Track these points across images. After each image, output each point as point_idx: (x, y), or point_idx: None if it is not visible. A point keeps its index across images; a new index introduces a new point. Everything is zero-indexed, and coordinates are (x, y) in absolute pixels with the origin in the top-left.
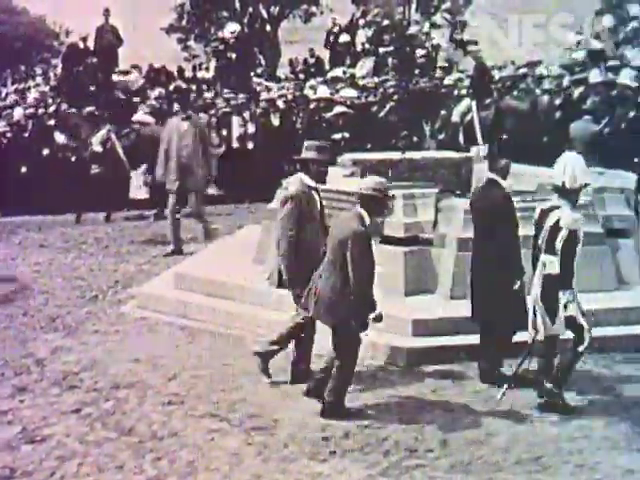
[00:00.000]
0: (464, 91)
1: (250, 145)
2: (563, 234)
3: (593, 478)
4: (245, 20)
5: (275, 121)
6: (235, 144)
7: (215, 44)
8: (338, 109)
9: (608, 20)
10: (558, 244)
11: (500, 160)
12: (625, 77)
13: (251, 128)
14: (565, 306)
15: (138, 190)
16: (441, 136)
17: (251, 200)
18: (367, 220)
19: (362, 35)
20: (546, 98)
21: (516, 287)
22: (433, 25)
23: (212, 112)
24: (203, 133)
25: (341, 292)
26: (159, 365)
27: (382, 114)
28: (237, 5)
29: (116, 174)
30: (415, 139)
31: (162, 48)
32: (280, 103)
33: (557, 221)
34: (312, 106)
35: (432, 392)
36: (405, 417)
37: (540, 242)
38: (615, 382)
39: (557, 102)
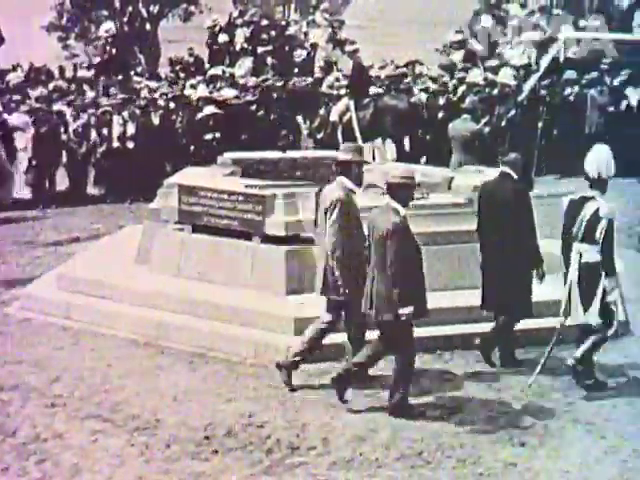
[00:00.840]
0: (342, 90)
1: (130, 144)
2: (603, 224)
3: (475, 472)
4: (125, 19)
5: (155, 120)
6: (115, 143)
7: (96, 42)
8: (208, 110)
9: (486, 20)
10: (599, 234)
11: (511, 154)
12: (505, 76)
13: (131, 127)
14: (606, 292)
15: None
16: (320, 135)
17: (132, 200)
18: (402, 210)
19: (241, 35)
20: (424, 97)
21: (538, 275)
22: (311, 24)
23: (92, 111)
24: None
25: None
26: (43, 367)
27: (261, 113)
28: (117, 4)
29: None
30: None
31: (44, 47)
32: (160, 102)
33: (596, 211)
34: (192, 105)
35: (314, 390)
36: (287, 415)
37: (575, 231)
38: (497, 378)
39: (440, 102)
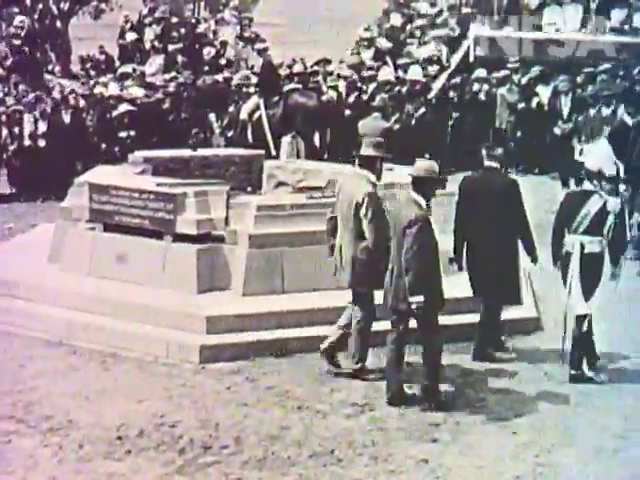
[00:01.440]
0: (252, 89)
1: (42, 143)
2: (611, 219)
3: (387, 469)
4: (35, 16)
5: (66, 118)
6: (27, 142)
7: (9, 39)
8: (123, 107)
9: (395, 18)
10: (606, 227)
11: (497, 149)
12: (414, 73)
13: (43, 126)
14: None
15: None
16: (230, 133)
17: (44, 198)
18: (423, 203)
19: (150, 32)
20: (335, 95)
21: (534, 261)
22: (221, 22)
23: (2, 109)
24: None
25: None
26: None
27: (171, 111)
28: (27, 1)
29: None
30: (205, 136)
31: None
32: (71, 100)
33: (603, 206)
34: (103, 103)
35: (226, 389)
36: (200, 414)
37: (577, 224)
38: (409, 374)
39: (350, 100)
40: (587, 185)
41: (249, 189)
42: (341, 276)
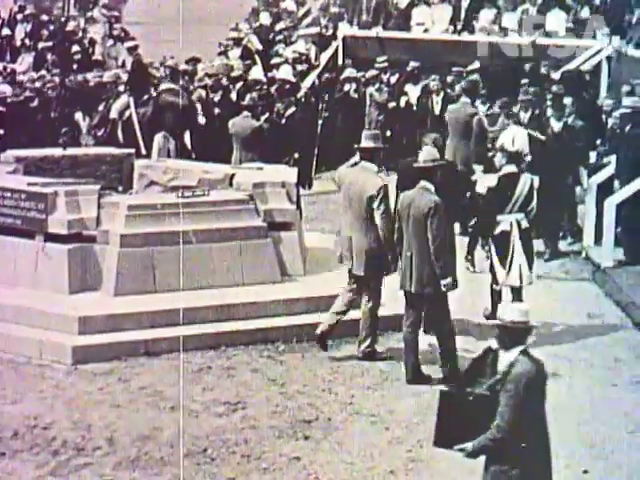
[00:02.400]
0: (122, 87)
1: None
2: (534, 195)
3: (260, 467)
4: None
5: None
6: None
7: None
8: None
9: (265, 17)
10: (533, 203)
11: (430, 134)
12: (284, 73)
13: None
14: None
15: None
16: (100, 132)
17: None
18: (433, 190)
19: (21, 30)
20: (203, 94)
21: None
22: (90, 20)
23: None
24: None
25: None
26: None
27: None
28: None
29: None
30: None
31: None
32: None
33: (531, 183)
34: None
35: (99, 390)
36: (73, 416)
37: (513, 204)
38: (281, 372)
39: (216, 99)
40: (511, 167)
41: (120, 188)
42: (354, 265)
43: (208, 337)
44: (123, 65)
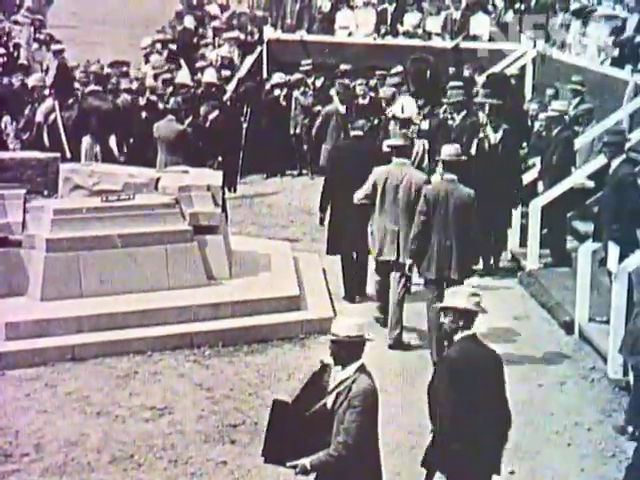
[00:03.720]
0: (46, 91)
1: None
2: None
3: (187, 472)
4: None
5: None
6: None
7: None
8: None
9: (189, 21)
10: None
11: (358, 121)
12: (209, 76)
13: None
14: None
15: None
16: (25, 136)
17: None
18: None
19: None
20: (129, 97)
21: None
22: (14, 24)
23: None
24: None
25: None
26: None
27: None
28: None
29: None
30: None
31: None
32: None
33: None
34: None
35: (26, 396)
36: (0, 422)
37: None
38: (207, 377)
39: (143, 102)
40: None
41: (46, 193)
42: (403, 254)
43: (134, 342)
44: (48, 70)
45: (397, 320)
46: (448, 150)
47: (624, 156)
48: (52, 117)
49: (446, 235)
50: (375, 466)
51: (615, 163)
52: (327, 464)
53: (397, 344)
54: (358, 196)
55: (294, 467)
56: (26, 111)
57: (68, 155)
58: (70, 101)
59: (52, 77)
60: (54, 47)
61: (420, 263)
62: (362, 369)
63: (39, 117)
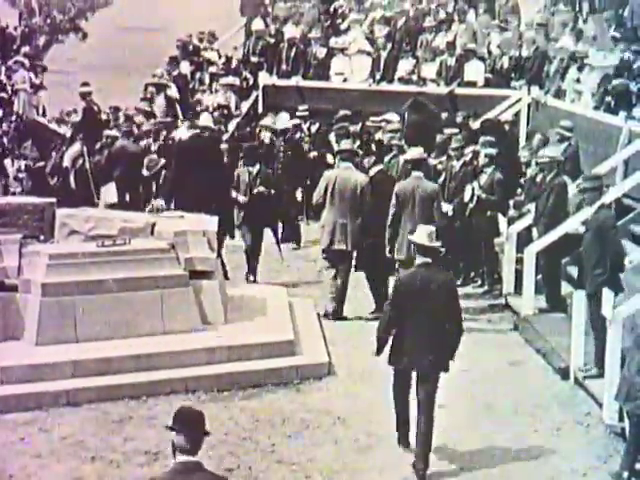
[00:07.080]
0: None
1: None
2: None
3: None
4: None
5: None
6: None
7: None
8: None
9: (185, 66)
10: None
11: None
12: (205, 120)
13: None
14: None
15: None
16: (53, 181)
17: None
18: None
19: None
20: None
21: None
22: (12, 69)
23: None
24: None
25: None
26: None
27: None
28: None
29: None
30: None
31: None
32: None
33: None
34: None
35: (20, 440)
36: None
37: None
38: None
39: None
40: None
41: (42, 238)
42: (349, 244)
43: (129, 387)
44: (44, 113)
45: (340, 297)
46: (416, 151)
47: (602, 201)
48: (80, 161)
49: (414, 222)
50: None
51: (593, 208)
52: None
53: (334, 315)
54: (315, 198)
55: None
56: (53, 154)
57: (96, 200)
58: (98, 145)
59: (79, 121)
60: (81, 89)
61: (393, 246)
62: None
63: (66, 162)
